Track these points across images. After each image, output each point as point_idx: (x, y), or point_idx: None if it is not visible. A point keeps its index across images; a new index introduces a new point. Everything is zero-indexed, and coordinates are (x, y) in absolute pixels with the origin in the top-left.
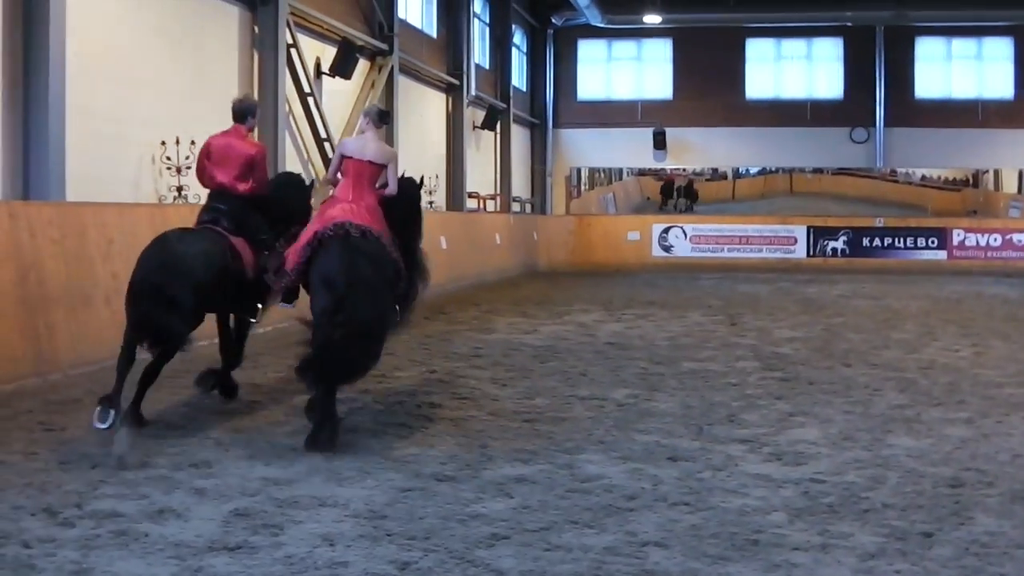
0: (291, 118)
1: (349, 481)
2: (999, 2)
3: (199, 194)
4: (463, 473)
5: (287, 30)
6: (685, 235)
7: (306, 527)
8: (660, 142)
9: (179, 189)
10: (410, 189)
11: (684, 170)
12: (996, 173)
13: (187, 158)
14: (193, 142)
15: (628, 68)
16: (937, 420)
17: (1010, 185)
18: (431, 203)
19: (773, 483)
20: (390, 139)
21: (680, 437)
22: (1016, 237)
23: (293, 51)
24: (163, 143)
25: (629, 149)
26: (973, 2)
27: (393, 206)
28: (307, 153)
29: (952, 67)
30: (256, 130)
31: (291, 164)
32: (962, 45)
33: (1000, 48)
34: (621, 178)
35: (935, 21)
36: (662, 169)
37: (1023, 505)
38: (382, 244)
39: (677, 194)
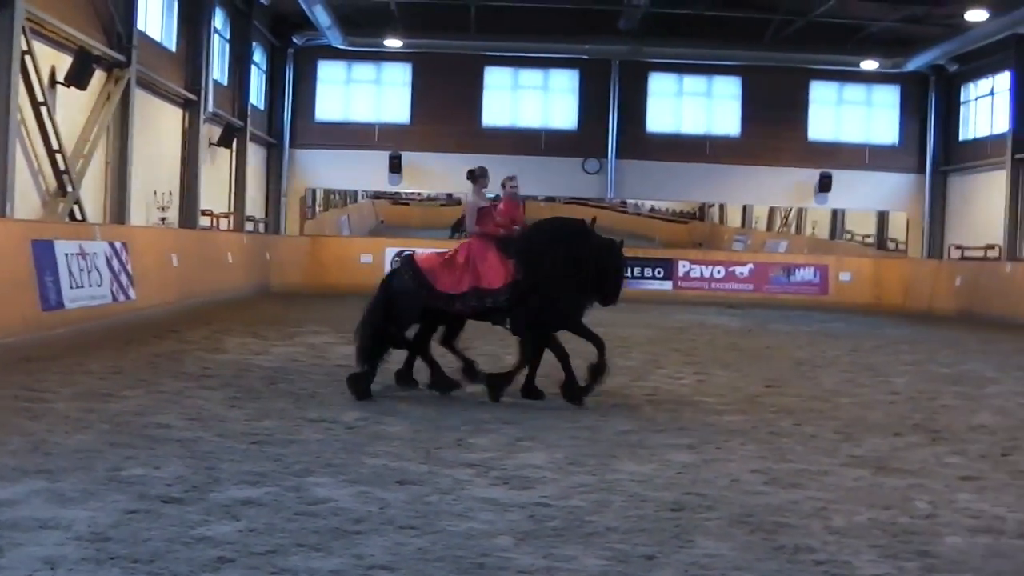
0: (22, 127)
1: (72, 502)
2: (729, 42)
3: None
4: (190, 495)
5: (22, 36)
6: None
7: (26, 550)
8: (396, 166)
9: None
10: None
11: (419, 194)
12: (722, 207)
13: None
14: None
15: (367, 91)
16: (660, 446)
17: (734, 219)
18: (163, 219)
19: (500, 507)
20: (124, 152)
21: (409, 460)
22: (739, 270)
23: (27, 58)
24: None
25: (365, 172)
26: (705, 41)
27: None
28: (38, 164)
29: (683, 103)
30: None
31: (21, 175)
32: (693, 82)
33: (729, 87)
34: (356, 200)
35: (668, 58)
36: (396, 193)
37: (741, 528)
38: None
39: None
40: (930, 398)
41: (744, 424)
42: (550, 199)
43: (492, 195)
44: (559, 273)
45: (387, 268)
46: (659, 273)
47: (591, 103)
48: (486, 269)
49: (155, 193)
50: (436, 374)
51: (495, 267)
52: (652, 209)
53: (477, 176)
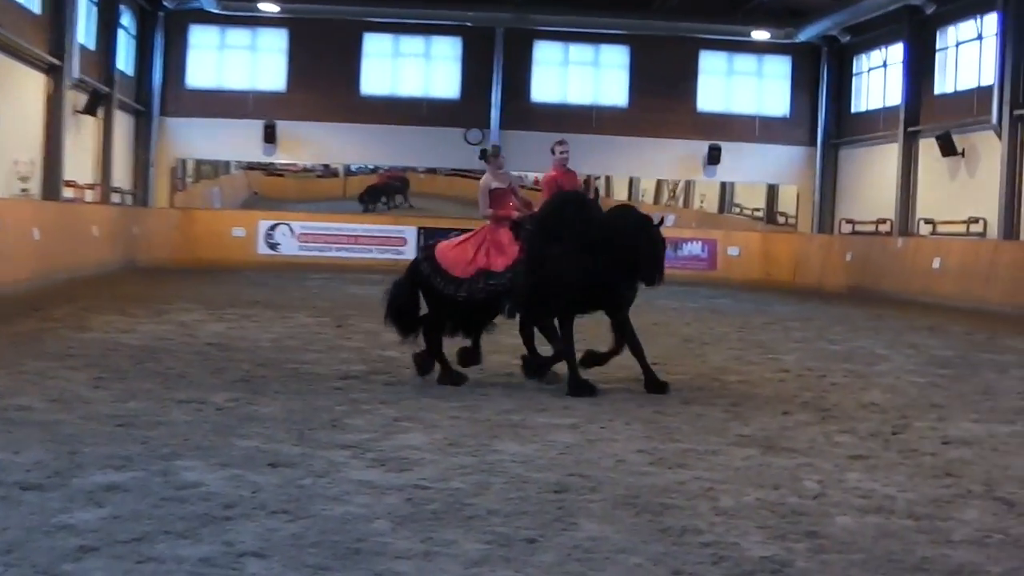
0: None
1: None
2: (617, 10)
3: None
4: (51, 481)
5: None
6: (292, 232)
7: None
8: (271, 135)
9: None
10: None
11: (294, 165)
12: (608, 180)
13: None
14: None
15: (241, 57)
16: (543, 426)
17: (621, 192)
18: (24, 190)
19: (376, 490)
20: None
21: (281, 442)
22: None
23: None
24: None
25: (238, 142)
26: (592, 9)
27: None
28: None
29: (569, 72)
30: None
31: None
32: (579, 51)
33: (616, 56)
34: (228, 171)
35: (554, 26)
36: (271, 163)
37: (625, 510)
38: None
39: (379, 194)
40: (820, 376)
41: (630, 403)
42: (431, 171)
43: (510, 175)
44: (566, 252)
45: (260, 242)
46: None
47: (474, 72)
48: (495, 252)
49: (15, 163)
50: (444, 371)
51: (504, 249)
52: (536, 181)
53: (490, 155)
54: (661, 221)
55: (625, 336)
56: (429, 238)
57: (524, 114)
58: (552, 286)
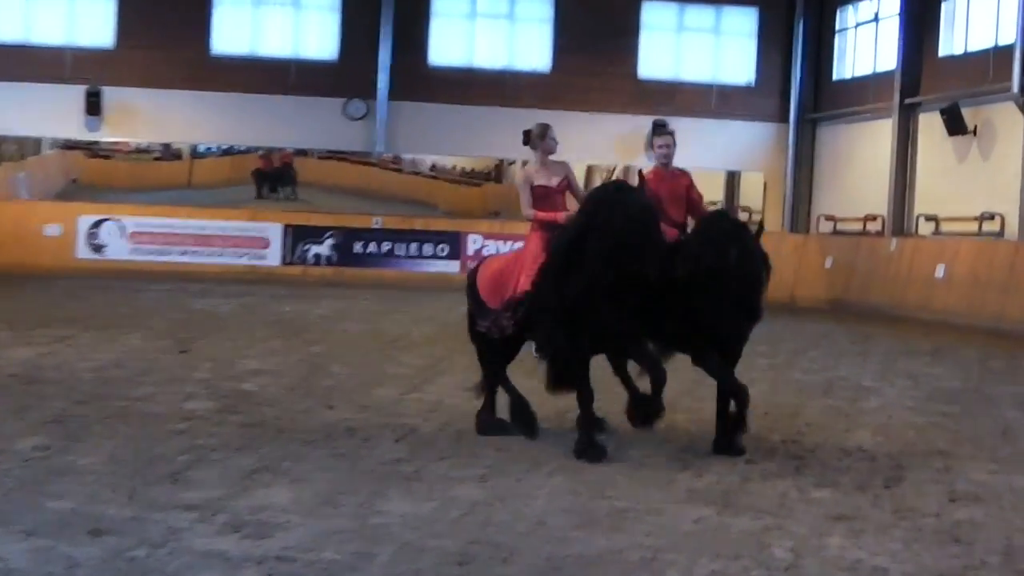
0: None
1: None
2: None
3: None
4: None
5: None
6: (123, 231)
7: None
8: (95, 106)
9: None
10: None
11: (127, 144)
12: (524, 165)
13: None
14: None
15: (55, 3)
16: (443, 478)
17: None
18: None
19: (230, 563)
20: None
21: (106, 503)
22: None
23: None
24: None
25: (52, 113)
26: None
27: None
28: None
29: (476, 28)
30: None
31: None
32: (489, 1)
33: (537, 7)
34: (39, 152)
35: None
36: (95, 142)
37: None
38: None
39: (277, 181)
40: (792, 414)
41: (552, 448)
42: (301, 152)
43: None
44: (602, 270)
45: (81, 243)
46: (443, 251)
47: (356, 26)
48: (525, 271)
49: None
50: (515, 404)
51: (533, 266)
52: (434, 167)
53: (534, 136)
54: (760, 229)
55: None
56: (299, 239)
57: (420, 81)
58: (588, 317)
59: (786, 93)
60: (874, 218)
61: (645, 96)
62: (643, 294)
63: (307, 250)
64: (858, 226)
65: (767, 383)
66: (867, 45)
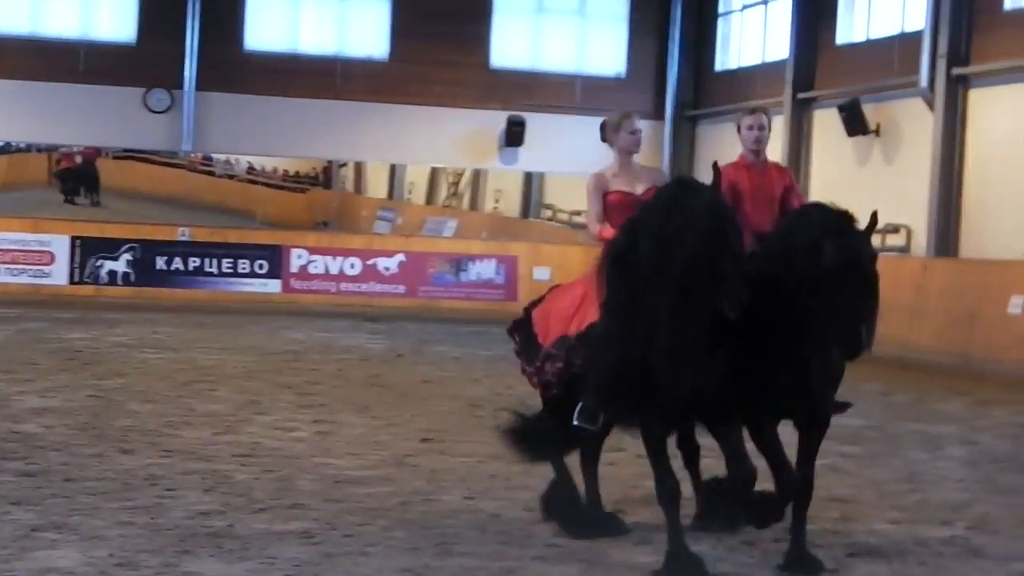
0: None
1: None
2: None
3: None
4: None
5: None
6: None
7: None
8: None
9: None
10: None
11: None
12: (359, 168)
13: None
14: None
15: None
16: (260, 534)
17: (378, 187)
18: None
19: None
20: None
21: None
22: (383, 263)
23: None
24: None
25: None
26: None
27: None
28: None
29: (301, 6)
30: None
31: None
32: None
33: None
34: None
35: None
36: None
37: None
38: None
39: (77, 181)
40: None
41: (389, 499)
42: (94, 151)
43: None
44: (654, 304)
45: None
46: (261, 268)
47: (157, 2)
48: (583, 307)
49: None
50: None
51: (589, 301)
52: (251, 170)
53: (609, 128)
54: (873, 224)
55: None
56: (90, 253)
57: (235, 69)
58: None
59: (661, 86)
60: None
61: (498, 88)
62: (729, 335)
63: (100, 266)
64: None
65: None
66: (755, 31)
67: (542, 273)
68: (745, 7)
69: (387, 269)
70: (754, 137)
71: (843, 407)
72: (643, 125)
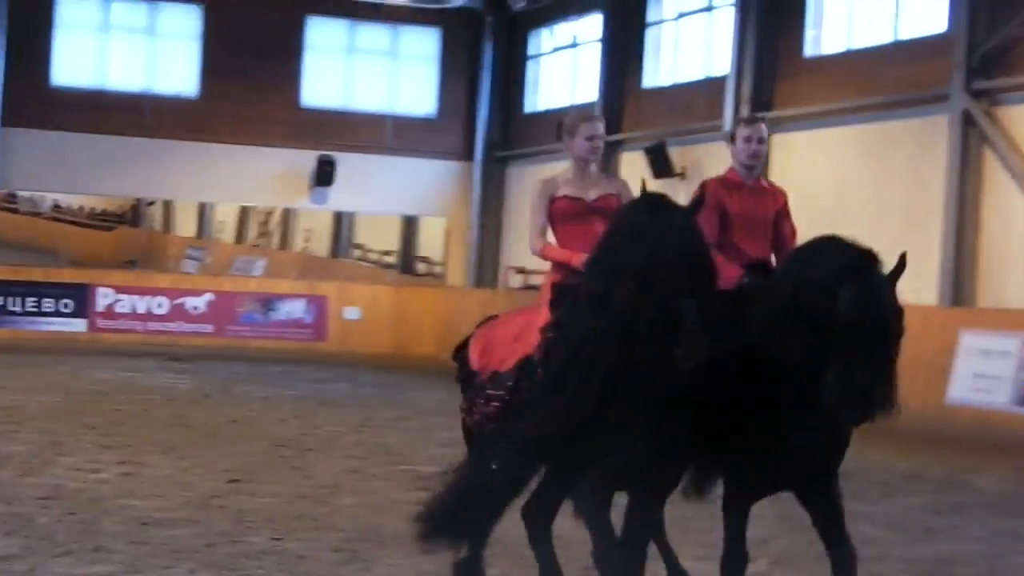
0: None
1: None
2: None
3: None
4: None
5: None
6: None
7: None
8: None
9: None
10: None
11: None
12: (167, 206)
13: None
14: None
15: None
16: None
17: (187, 225)
18: None
19: None
20: None
21: None
22: (191, 302)
23: None
24: None
25: None
26: None
27: None
28: None
29: (110, 42)
30: None
31: None
32: (125, 11)
33: (182, 20)
34: None
35: None
36: None
37: None
38: None
39: None
40: None
41: (195, 540)
42: None
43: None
44: (608, 346)
45: None
46: (67, 306)
47: None
48: (526, 336)
49: None
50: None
51: (531, 330)
52: (57, 207)
53: (565, 129)
54: (902, 265)
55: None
56: None
57: (40, 103)
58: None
59: (471, 127)
60: None
61: (309, 127)
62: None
63: None
64: None
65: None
66: (564, 74)
67: (352, 313)
68: (555, 50)
69: (195, 308)
70: (752, 151)
71: None
72: (426, 166)
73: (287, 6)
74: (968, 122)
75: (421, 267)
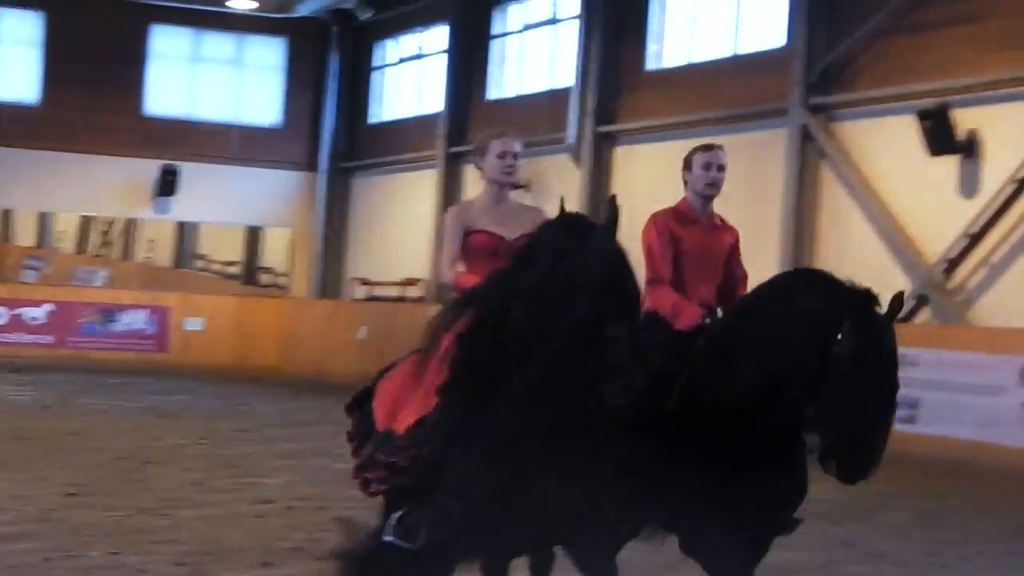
0: None
1: None
2: None
3: None
4: None
5: None
6: None
7: None
8: None
9: None
10: None
11: None
12: (6, 214)
13: None
14: None
15: None
16: None
17: (26, 234)
18: None
19: None
20: None
21: None
22: (30, 313)
23: None
24: None
25: None
26: None
27: None
28: None
29: None
30: None
31: None
32: None
33: (22, 27)
34: None
35: None
36: None
37: None
38: None
39: None
40: (319, 507)
41: (32, 556)
42: None
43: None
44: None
45: None
46: None
47: None
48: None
49: None
50: None
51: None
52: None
53: (478, 150)
54: (898, 305)
55: None
56: None
57: None
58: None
59: (316, 137)
60: (414, 282)
61: (153, 136)
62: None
63: None
64: (396, 291)
65: (291, 472)
66: (410, 85)
67: (194, 324)
68: (402, 59)
69: (34, 319)
70: (711, 179)
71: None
72: (269, 176)
73: (131, 14)
74: (806, 137)
75: (265, 278)
